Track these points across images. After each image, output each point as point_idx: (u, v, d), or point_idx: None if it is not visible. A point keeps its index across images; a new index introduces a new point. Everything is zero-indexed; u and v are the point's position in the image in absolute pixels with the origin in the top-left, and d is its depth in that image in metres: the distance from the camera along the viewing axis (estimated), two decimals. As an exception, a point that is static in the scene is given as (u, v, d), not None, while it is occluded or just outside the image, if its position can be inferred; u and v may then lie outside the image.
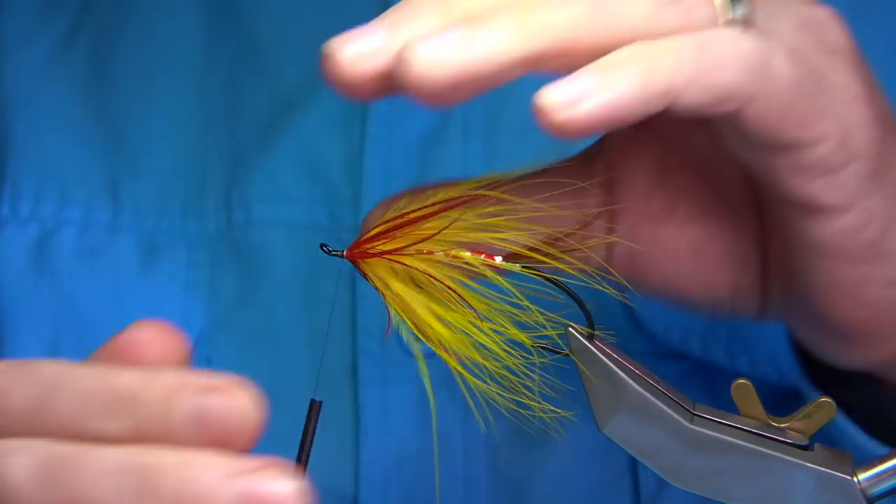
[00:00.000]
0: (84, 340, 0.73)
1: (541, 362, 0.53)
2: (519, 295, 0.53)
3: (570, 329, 0.51)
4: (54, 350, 0.73)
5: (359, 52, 0.47)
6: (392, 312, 0.55)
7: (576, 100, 0.46)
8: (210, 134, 0.77)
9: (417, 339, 0.72)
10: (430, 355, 0.73)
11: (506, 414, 0.52)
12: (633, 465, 0.72)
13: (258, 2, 0.78)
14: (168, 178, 0.76)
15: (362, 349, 0.73)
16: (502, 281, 0.54)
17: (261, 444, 0.72)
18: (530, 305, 0.53)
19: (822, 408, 0.51)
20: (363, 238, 0.55)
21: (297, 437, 0.73)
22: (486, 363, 0.53)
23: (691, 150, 0.57)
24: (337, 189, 0.75)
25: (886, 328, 0.54)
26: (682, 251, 0.57)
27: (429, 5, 0.47)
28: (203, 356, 0.74)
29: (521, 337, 0.53)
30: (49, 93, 0.78)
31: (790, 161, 0.50)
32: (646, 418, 0.51)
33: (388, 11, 0.48)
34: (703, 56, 0.48)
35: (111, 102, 0.78)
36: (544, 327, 0.52)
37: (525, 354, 0.53)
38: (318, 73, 0.75)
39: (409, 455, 0.73)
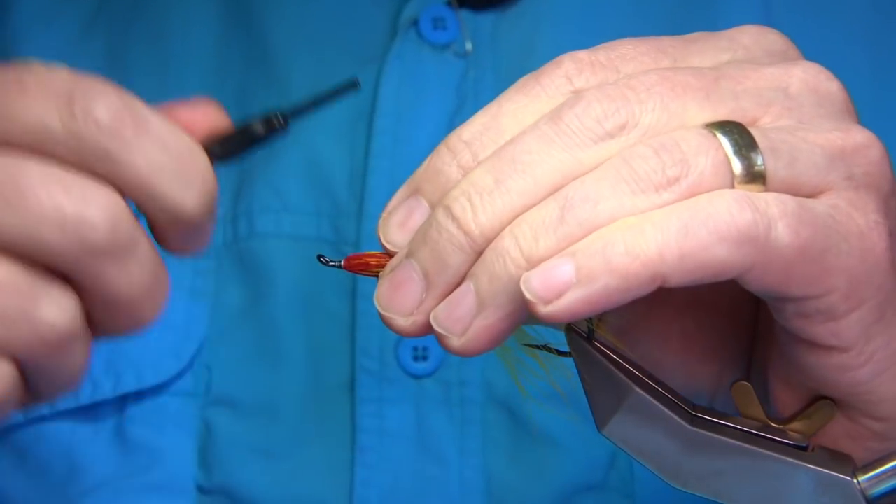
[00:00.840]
0: None
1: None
2: None
3: (570, 328, 0.51)
4: None
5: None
6: None
7: (556, 294, 0.44)
8: None
9: (423, 357, 0.72)
10: (427, 375, 0.73)
11: None
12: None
13: (272, 9, 0.78)
14: None
15: (361, 367, 0.73)
16: None
17: (256, 455, 0.72)
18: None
19: (822, 409, 0.51)
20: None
21: (294, 452, 0.72)
22: None
23: None
24: (341, 202, 0.75)
25: (862, 454, 0.52)
26: (671, 337, 0.55)
27: None
28: (203, 365, 0.73)
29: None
30: None
31: (791, 307, 0.48)
32: (646, 419, 0.50)
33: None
34: (689, 236, 0.44)
35: None
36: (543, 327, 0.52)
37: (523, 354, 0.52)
38: (325, 83, 0.76)
39: (404, 476, 0.72)
